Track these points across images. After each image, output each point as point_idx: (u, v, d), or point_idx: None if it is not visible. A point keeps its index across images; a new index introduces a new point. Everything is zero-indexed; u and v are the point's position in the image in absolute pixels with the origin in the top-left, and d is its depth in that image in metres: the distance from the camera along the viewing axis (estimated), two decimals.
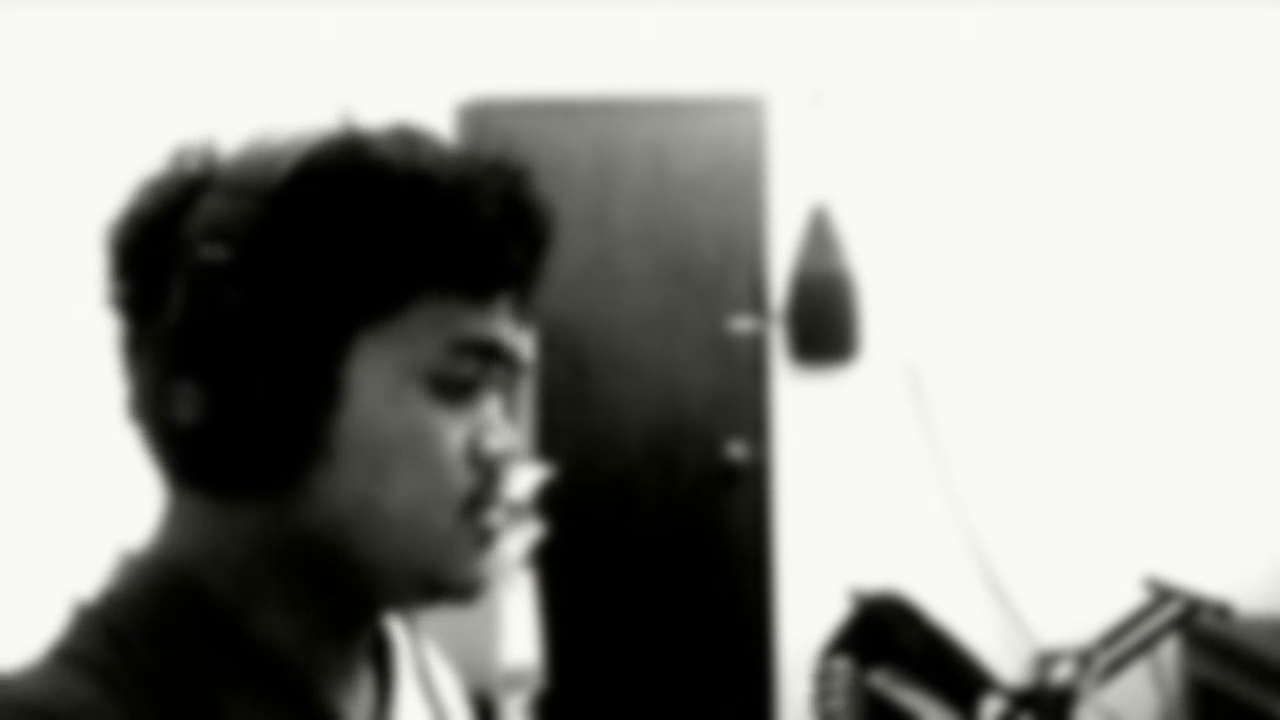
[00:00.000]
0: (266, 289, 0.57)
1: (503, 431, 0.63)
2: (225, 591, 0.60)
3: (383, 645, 0.72)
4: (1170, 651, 3.27)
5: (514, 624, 2.37)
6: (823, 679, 2.72)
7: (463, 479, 0.61)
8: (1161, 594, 2.82)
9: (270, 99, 3.33)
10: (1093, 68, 3.56)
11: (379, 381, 0.59)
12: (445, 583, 0.62)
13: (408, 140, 0.60)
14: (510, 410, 0.65)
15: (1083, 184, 3.56)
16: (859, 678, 2.68)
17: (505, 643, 2.26)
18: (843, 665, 2.70)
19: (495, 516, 0.63)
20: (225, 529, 0.60)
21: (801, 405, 3.54)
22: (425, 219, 0.58)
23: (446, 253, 0.59)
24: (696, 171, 3.53)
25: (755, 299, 3.52)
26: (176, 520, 0.62)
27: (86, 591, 0.60)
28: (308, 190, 0.58)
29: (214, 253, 0.56)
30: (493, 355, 0.62)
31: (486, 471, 0.62)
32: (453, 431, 0.61)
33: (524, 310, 0.65)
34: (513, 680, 2.28)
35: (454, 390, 0.61)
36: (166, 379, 0.57)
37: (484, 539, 0.63)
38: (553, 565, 3.34)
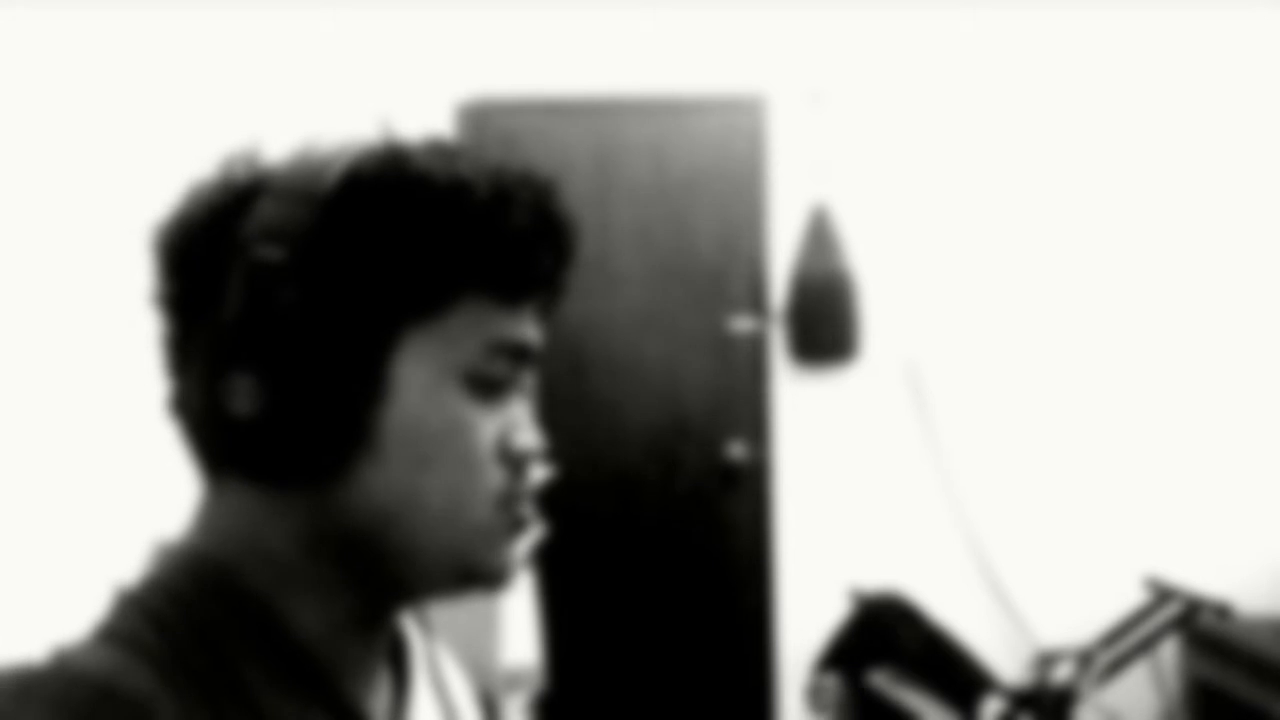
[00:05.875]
0: (321, 288, 0.60)
1: (529, 430, 0.67)
2: (260, 583, 0.63)
3: (399, 645, 0.74)
4: (1170, 651, 3.27)
5: (514, 624, 2.37)
6: (814, 694, 2.72)
7: (495, 473, 0.65)
8: (1161, 594, 2.82)
9: (271, 99, 3.33)
10: (1093, 68, 3.56)
11: (422, 378, 0.62)
12: (479, 570, 0.65)
13: (445, 152, 0.64)
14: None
15: (1082, 184, 3.56)
16: (850, 693, 2.68)
17: (505, 643, 2.26)
18: (832, 681, 2.71)
19: (525, 508, 0.67)
20: (267, 519, 0.63)
21: (801, 405, 3.54)
22: (465, 226, 0.62)
23: (484, 258, 0.63)
24: (696, 171, 3.53)
25: (755, 299, 3.52)
26: (215, 512, 0.64)
27: (127, 579, 0.63)
28: (357, 196, 0.61)
29: (271, 253, 0.60)
30: (523, 357, 0.66)
31: (515, 466, 0.66)
32: (486, 428, 0.64)
33: (548, 316, 0.69)
34: (513, 680, 2.27)
35: (487, 389, 0.65)
36: (221, 373, 0.60)
37: (515, 529, 0.67)
38: (553, 565, 3.34)
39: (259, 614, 0.62)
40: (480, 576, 0.66)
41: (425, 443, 0.62)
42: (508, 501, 0.66)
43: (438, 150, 0.64)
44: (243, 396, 0.60)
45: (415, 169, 0.62)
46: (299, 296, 0.60)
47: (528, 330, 0.66)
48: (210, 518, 0.64)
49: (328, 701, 0.63)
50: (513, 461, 0.66)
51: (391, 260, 0.61)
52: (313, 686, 0.63)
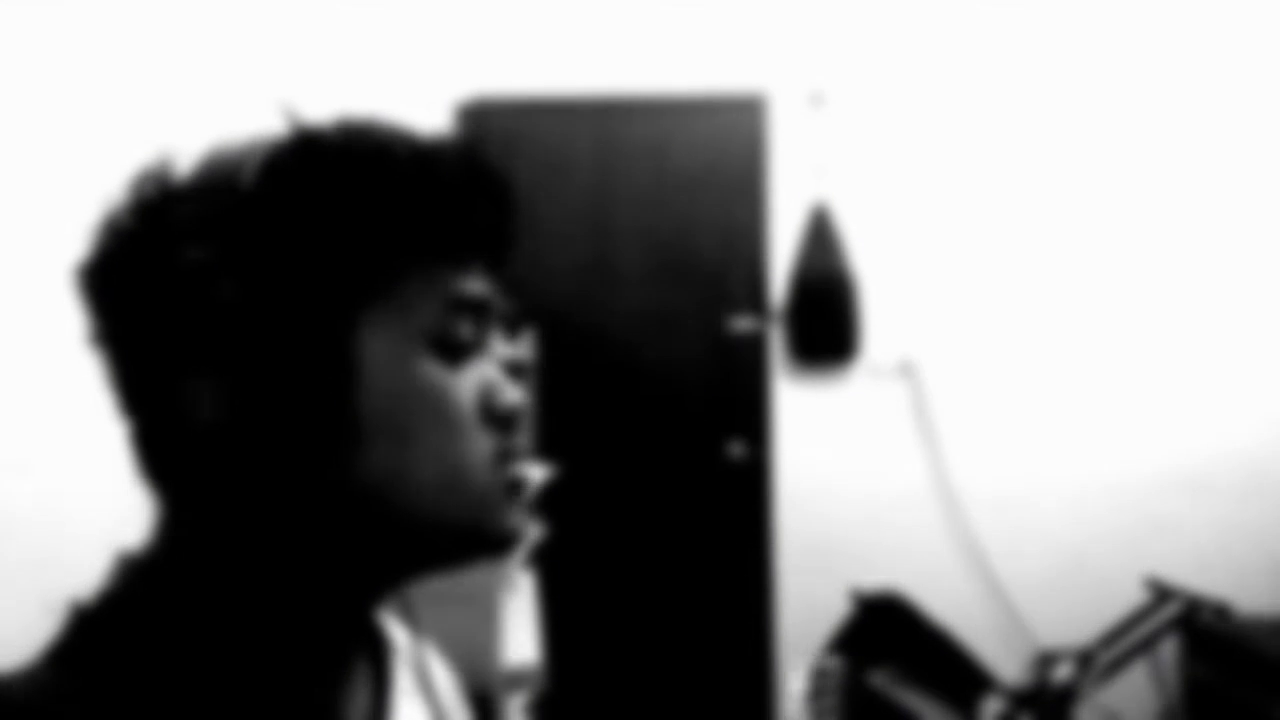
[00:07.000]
0: (259, 278, 0.57)
1: (510, 388, 0.65)
2: (231, 593, 0.60)
3: (378, 644, 0.72)
4: (1170, 651, 3.27)
5: (514, 624, 2.37)
6: (817, 678, 2.72)
7: (482, 436, 0.63)
8: (1161, 594, 2.82)
9: (270, 99, 3.33)
10: (1092, 68, 3.56)
11: (386, 352, 0.60)
12: (485, 537, 0.64)
13: (357, 126, 0.62)
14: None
15: (1082, 184, 3.56)
16: (852, 678, 2.68)
17: (505, 643, 2.26)
18: (835, 664, 2.70)
19: (519, 468, 0.66)
20: (242, 527, 0.60)
21: (801, 405, 3.54)
22: (393, 190, 0.60)
23: (419, 218, 0.61)
24: (696, 171, 3.53)
25: (755, 299, 3.52)
26: (183, 521, 0.61)
27: (83, 594, 0.60)
28: (278, 183, 0.59)
29: (200, 252, 0.57)
30: (482, 313, 0.64)
31: (503, 425, 0.65)
32: (463, 390, 0.63)
33: (500, 272, 0.67)
34: (513, 680, 2.27)
35: (454, 352, 0.63)
36: (181, 386, 0.57)
37: (513, 491, 0.65)
38: (553, 565, 3.34)
39: (228, 626, 0.59)
40: (488, 542, 0.64)
41: (404, 416, 0.60)
42: (502, 461, 0.64)
43: (349, 126, 0.62)
44: (206, 405, 0.57)
45: (331, 146, 0.60)
46: (237, 291, 0.56)
47: (479, 285, 0.64)
48: (176, 527, 0.61)
49: (302, 708, 0.61)
50: (499, 420, 0.64)
51: (326, 239, 0.58)
52: (286, 694, 0.60)
